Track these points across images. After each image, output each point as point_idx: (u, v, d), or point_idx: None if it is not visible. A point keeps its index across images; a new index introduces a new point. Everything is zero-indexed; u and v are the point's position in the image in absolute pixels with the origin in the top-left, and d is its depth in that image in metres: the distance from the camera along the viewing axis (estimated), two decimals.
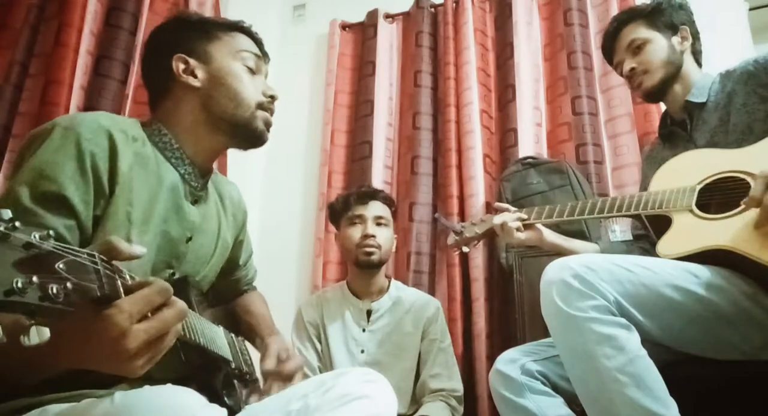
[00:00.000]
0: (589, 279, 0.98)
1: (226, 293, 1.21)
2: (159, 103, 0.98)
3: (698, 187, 1.17)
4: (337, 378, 0.89)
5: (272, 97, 1.01)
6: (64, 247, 0.46)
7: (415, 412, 1.57)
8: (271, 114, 1.01)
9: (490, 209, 2.01)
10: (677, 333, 1.03)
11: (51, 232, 0.45)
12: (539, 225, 1.37)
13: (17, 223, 0.41)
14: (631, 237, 1.50)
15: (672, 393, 0.93)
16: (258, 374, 1.05)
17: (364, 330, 1.69)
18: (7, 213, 0.41)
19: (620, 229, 1.72)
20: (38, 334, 0.45)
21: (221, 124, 0.96)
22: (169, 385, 0.71)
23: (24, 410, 0.72)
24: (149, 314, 0.55)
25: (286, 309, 2.25)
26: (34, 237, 0.42)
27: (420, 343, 1.68)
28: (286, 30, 2.81)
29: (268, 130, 1.01)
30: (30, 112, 1.77)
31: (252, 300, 1.24)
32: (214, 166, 1.97)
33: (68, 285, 0.44)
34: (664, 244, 1.14)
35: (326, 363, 1.68)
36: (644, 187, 1.35)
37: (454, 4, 2.36)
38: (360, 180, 2.20)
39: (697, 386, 1.06)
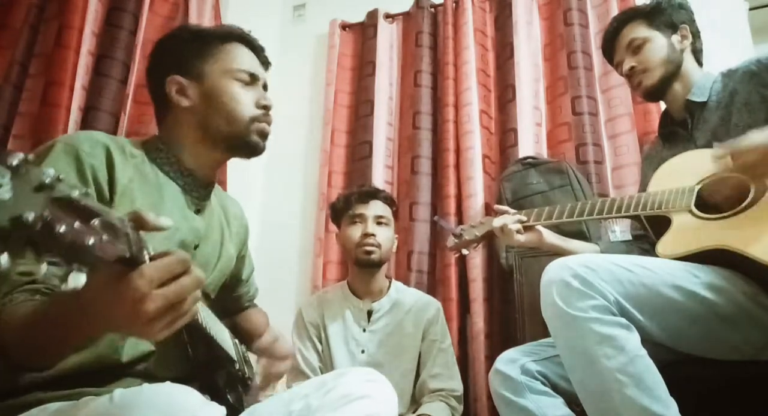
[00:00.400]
0: (590, 279, 0.98)
1: (229, 309, 1.21)
2: (161, 120, 1.02)
3: (697, 187, 1.17)
4: (337, 378, 0.89)
5: (266, 107, 1.02)
6: (101, 207, 0.48)
7: (414, 412, 1.57)
8: (269, 123, 1.03)
9: (489, 210, 2.01)
10: (677, 333, 1.03)
11: (90, 191, 0.46)
12: (539, 227, 1.37)
13: (61, 176, 0.44)
14: (630, 238, 1.50)
15: (672, 393, 0.93)
16: (257, 380, 1.06)
17: (364, 330, 1.69)
18: (51, 171, 0.43)
19: (620, 229, 1.72)
20: (75, 280, 0.48)
21: (217, 140, 0.99)
22: (168, 383, 0.71)
23: (24, 408, 0.72)
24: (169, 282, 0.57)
25: (286, 309, 2.25)
26: (75, 192, 0.45)
27: (420, 344, 1.68)
28: (286, 30, 2.81)
29: (265, 140, 1.03)
30: (30, 112, 1.78)
31: (252, 313, 1.26)
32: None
33: (103, 238, 0.47)
34: (663, 245, 1.14)
35: (327, 363, 1.68)
36: (644, 186, 1.35)
37: (454, 4, 2.36)
38: (360, 180, 2.20)
39: (697, 386, 1.07)
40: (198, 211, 1.00)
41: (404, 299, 1.75)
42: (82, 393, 0.74)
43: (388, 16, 2.52)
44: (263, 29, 2.69)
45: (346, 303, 1.74)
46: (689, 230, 1.12)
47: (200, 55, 1.00)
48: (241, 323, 1.19)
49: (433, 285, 2.07)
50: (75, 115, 1.77)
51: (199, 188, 1.00)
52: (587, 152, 1.98)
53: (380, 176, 2.25)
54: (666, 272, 1.03)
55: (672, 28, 1.36)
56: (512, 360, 1.21)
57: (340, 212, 1.77)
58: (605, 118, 2.08)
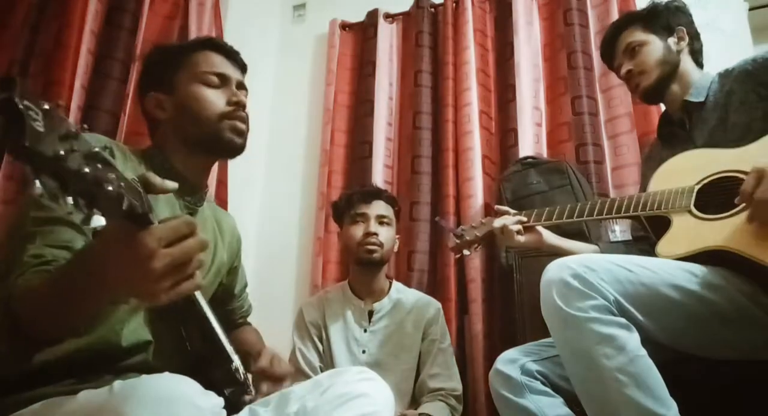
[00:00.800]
0: (589, 279, 0.98)
1: (221, 324, 1.21)
2: (153, 135, 1.08)
3: (696, 188, 1.17)
4: (333, 377, 0.90)
5: (237, 103, 1.04)
6: (116, 164, 0.51)
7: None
8: (241, 120, 1.04)
9: (489, 210, 2.01)
10: (677, 333, 1.03)
11: (108, 147, 0.50)
12: (539, 228, 1.37)
13: (85, 126, 0.48)
14: (630, 238, 1.50)
15: (672, 393, 0.93)
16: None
17: (365, 331, 1.69)
18: (74, 124, 0.47)
19: (620, 229, 1.72)
20: (96, 222, 0.51)
21: (194, 145, 1.03)
22: (166, 374, 0.72)
23: (25, 403, 0.73)
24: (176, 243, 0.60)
25: (286, 309, 2.26)
26: (95, 148, 0.49)
27: (420, 344, 1.69)
28: (286, 30, 2.81)
29: (241, 137, 1.04)
30: None
31: (246, 331, 1.27)
32: (215, 175, 1.98)
33: (122, 185, 0.51)
34: (663, 246, 1.14)
35: (327, 363, 1.68)
36: (644, 188, 1.35)
37: (454, 4, 2.36)
38: (360, 179, 2.20)
39: (697, 386, 1.07)
40: (191, 215, 1.03)
41: (405, 299, 1.75)
42: (80, 388, 0.75)
43: (388, 16, 2.52)
44: (263, 29, 2.69)
45: (347, 303, 1.75)
46: (689, 231, 1.12)
47: (171, 68, 1.05)
48: (234, 342, 1.19)
49: (433, 285, 2.07)
50: (75, 115, 1.77)
51: (192, 193, 1.04)
52: (587, 152, 1.98)
53: (380, 176, 2.25)
54: (665, 272, 1.03)
55: (668, 30, 1.37)
56: (512, 360, 1.21)
57: (343, 211, 1.78)
58: (605, 118, 2.08)
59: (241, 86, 1.08)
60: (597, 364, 0.94)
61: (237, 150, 1.05)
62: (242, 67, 1.11)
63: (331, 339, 1.69)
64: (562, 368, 1.08)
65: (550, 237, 1.37)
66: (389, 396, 0.92)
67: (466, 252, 1.47)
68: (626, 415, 0.91)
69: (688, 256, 1.08)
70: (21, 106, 0.40)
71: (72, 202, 0.46)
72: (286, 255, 2.41)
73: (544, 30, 2.28)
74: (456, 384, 1.65)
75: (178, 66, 1.05)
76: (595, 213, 1.26)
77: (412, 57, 2.38)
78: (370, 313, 1.72)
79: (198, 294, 0.80)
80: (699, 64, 1.40)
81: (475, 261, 2.00)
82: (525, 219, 1.35)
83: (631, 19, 1.41)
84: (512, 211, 1.40)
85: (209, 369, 0.91)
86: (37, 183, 0.43)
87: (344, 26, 2.58)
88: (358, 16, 2.56)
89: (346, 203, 1.77)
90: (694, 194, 1.16)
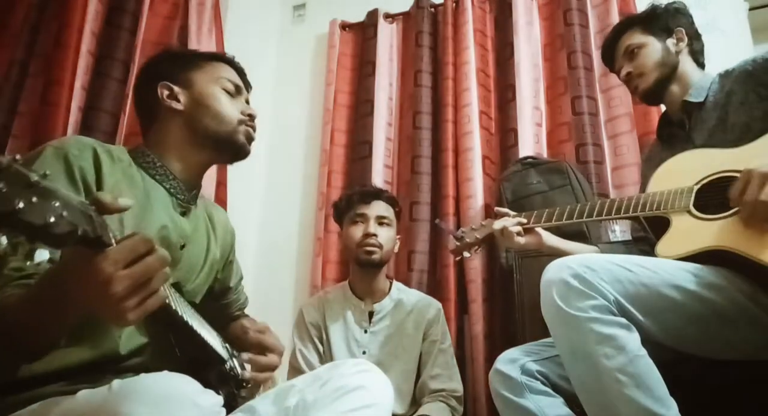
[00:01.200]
0: (589, 279, 0.98)
1: (219, 318, 1.21)
2: (148, 128, 1.07)
3: (696, 188, 1.17)
4: (331, 370, 0.91)
5: (251, 116, 1.08)
6: (61, 191, 0.49)
7: (415, 413, 1.57)
8: (254, 129, 1.09)
9: (489, 211, 2.02)
10: (677, 333, 1.03)
11: (48, 172, 0.48)
12: (539, 229, 1.37)
13: (18, 157, 0.46)
14: (630, 238, 1.50)
15: (672, 393, 0.93)
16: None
17: (365, 331, 1.69)
18: (6, 158, 0.44)
19: (620, 230, 1.72)
20: (40, 256, 0.49)
21: (205, 140, 1.04)
22: (165, 372, 0.72)
23: (24, 403, 0.73)
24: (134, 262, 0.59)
25: (285, 309, 2.26)
26: (33, 175, 0.46)
27: (421, 344, 1.68)
28: (286, 30, 2.81)
29: (250, 144, 1.08)
30: (30, 112, 1.78)
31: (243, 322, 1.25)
32: (215, 175, 1.98)
33: (64, 214, 0.48)
34: (662, 246, 1.14)
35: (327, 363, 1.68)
36: (644, 188, 1.35)
37: (454, 4, 2.36)
38: (360, 179, 2.21)
39: (697, 386, 1.07)
40: (184, 214, 1.03)
41: (405, 300, 1.75)
42: (79, 388, 0.75)
43: (388, 16, 2.52)
44: (263, 29, 2.69)
45: (347, 303, 1.74)
46: (688, 231, 1.12)
47: (188, 67, 1.07)
48: (231, 332, 1.19)
49: (433, 285, 2.07)
50: (75, 115, 1.77)
51: (185, 191, 1.04)
52: (587, 152, 1.98)
53: (380, 176, 2.25)
54: (666, 272, 1.03)
55: (667, 31, 1.38)
56: (512, 360, 1.21)
57: (343, 212, 1.78)
58: (605, 118, 2.08)
59: (247, 102, 1.13)
60: (597, 364, 0.94)
61: (244, 155, 1.09)
62: (249, 87, 1.16)
63: (331, 340, 1.69)
64: (562, 368, 1.08)
65: (550, 239, 1.38)
66: (387, 387, 0.92)
67: (466, 254, 1.47)
68: (626, 415, 0.91)
69: (688, 256, 1.08)
70: None
71: (6, 241, 0.44)
72: (285, 256, 2.40)
73: (544, 30, 2.28)
74: (456, 384, 1.65)
75: (196, 66, 1.08)
76: (595, 214, 1.26)
77: (412, 57, 2.38)
78: (371, 314, 1.72)
79: (176, 301, 0.80)
80: (700, 64, 1.40)
81: (475, 262, 2.00)
82: (525, 220, 1.35)
83: (630, 22, 1.43)
84: (512, 213, 1.40)
85: (204, 370, 0.91)
86: None
87: (344, 26, 2.59)
88: (358, 16, 2.56)
89: (346, 203, 1.77)
90: (694, 194, 1.16)
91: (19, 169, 0.44)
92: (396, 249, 1.82)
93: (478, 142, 2.13)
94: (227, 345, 1.04)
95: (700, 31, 1.42)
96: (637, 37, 1.38)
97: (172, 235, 0.97)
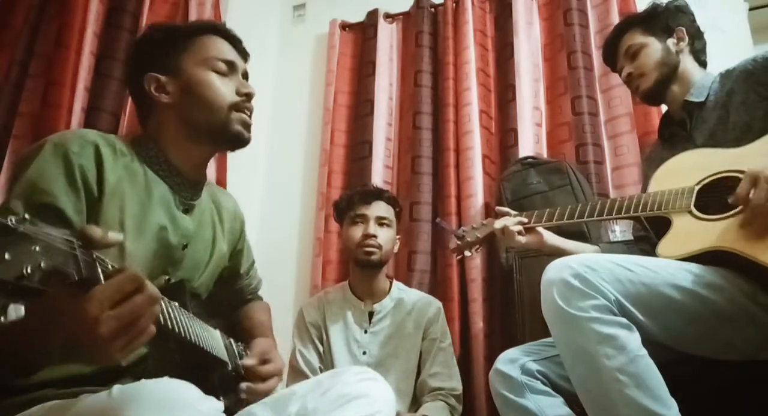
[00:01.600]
0: (590, 279, 0.98)
1: (231, 303, 1.21)
2: (145, 120, 1.02)
3: (696, 188, 1.17)
4: (334, 378, 0.90)
5: (247, 95, 1.01)
6: (41, 232, 0.47)
7: (415, 412, 1.57)
8: (249, 112, 1.02)
9: (489, 210, 2.02)
10: (678, 333, 1.03)
11: (27, 216, 0.46)
12: (540, 228, 1.37)
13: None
14: (631, 238, 1.50)
15: (672, 393, 0.93)
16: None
17: (366, 332, 1.69)
18: None
19: (620, 229, 1.72)
20: (15, 311, 0.46)
21: (200, 133, 0.98)
22: (166, 378, 0.71)
23: (24, 406, 0.73)
24: (121, 301, 0.56)
25: (286, 309, 2.26)
26: (10, 220, 0.44)
27: (421, 343, 1.68)
28: (286, 30, 2.81)
29: (248, 130, 1.02)
30: (30, 112, 1.77)
31: (254, 308, 1.24)
32: (214, 174, 1.97)
33: (42, 264, 0.45)
34: (663, 246, 1.14)
35: (328, 364, 1.68)
36: (645, 188, 1.35)
37: (454, 4, 2.36)
38: (360, 180, 2.20)
39: (697, 386, 1.07)
40: (187, 211, 1.00)
41: (406, 300, 1.75)
42: (81, 392, 0.75)
43: (388, 16, 2.52)
44: (263, 29, 2.69)
45: (347, 304, 1.74)
46: (689, 231, 1.12)
47: (174, 50, 0.99)
48: (242, 321, 1.18)
49: (434, 285, 2.07)
50: (78, 116, 1.76)
51: (188, 187, 1.00)
52: (587, 152, 1.98)
53: (380, 176, 2.25)
54: (666, 272, 1.03)
55: (668, 31, 1.38)
56: (512, 360, 1.21)
57: (343, 211, 1.78)
58: (605, 118, 2.08)
59: (246, 75, 1.05)
60: (597, 364, 0.94)
61: (243, 143, 1.02)
62: (246, 55, 1.08)
63: (331, 340, 1.69)
64: (562, 368, 1.08)
65: (551, 238, 1.38)
66: (390, 396, 0.92)
67: (467, 253, 1.47)
68: (626, 415, 0.91)
69: (689, 257, 1.08)
70: None
71: None
72: (285, 256, 2.40)
73: (544, 30, 2.28)
74: (456, 383, 1.65)
75: (183, 48, 0.99)
76: (596, 214, 1.26)
77: (412, 57, 2.38)
78: (371, 314, 1.72)
79: (173, 318, 0.76)
80: (702, 63, 1.40)
81: (476, 261, 2.00)
82: (526, 220, 1.35)
83: (631, 22, 1.43)
84: (513, 212, 1.40)
85: (205, 375, 0.90)
86: None
87: (344, 26, 2.59)
88: (358, 16, 2.56)
89: (347, 204, 1.77)
90: (695, 194, 1.16)
91: None
92: (396, 250, 1.82)
93: (478, 141, 2.13)
94: (231, 340, 1.03)
95: (701, 31, 1.42)
96: (637, 38, 1.39)
97: (172, 237, 0.95)
